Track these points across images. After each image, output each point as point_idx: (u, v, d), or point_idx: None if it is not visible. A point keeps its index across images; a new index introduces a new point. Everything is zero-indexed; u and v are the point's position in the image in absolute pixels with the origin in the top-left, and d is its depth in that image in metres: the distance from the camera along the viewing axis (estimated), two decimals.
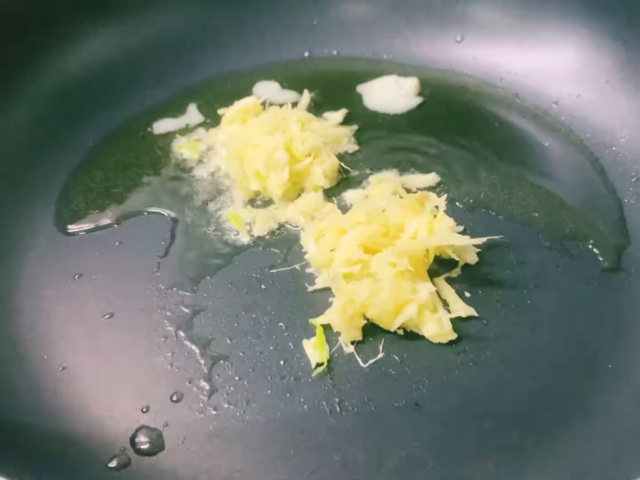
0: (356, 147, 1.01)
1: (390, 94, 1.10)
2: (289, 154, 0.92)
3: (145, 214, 0.94)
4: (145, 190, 0.97)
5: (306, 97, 1.07)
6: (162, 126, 1.08)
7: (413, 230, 0.83)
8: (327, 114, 1.06)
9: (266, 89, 1.12)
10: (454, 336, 0.78)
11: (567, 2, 1.04)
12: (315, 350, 0.78)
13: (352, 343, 0.78)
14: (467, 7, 1.11)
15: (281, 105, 1.01)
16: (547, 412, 0.72)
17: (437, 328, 0.78)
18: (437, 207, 0.84)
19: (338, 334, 0.79)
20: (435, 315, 0.78)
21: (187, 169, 1.00)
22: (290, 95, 1.11)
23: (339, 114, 1.06)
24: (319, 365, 0.77)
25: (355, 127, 1.04)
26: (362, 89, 1.12)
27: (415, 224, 0.83)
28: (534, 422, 0.72)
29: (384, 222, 0.83)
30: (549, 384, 0.75)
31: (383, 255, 0.80)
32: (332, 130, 1.02)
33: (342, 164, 0.97)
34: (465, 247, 0.84)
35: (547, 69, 1.06)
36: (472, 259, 0.85)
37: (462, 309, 0.80)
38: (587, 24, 1.03)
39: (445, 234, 0.82)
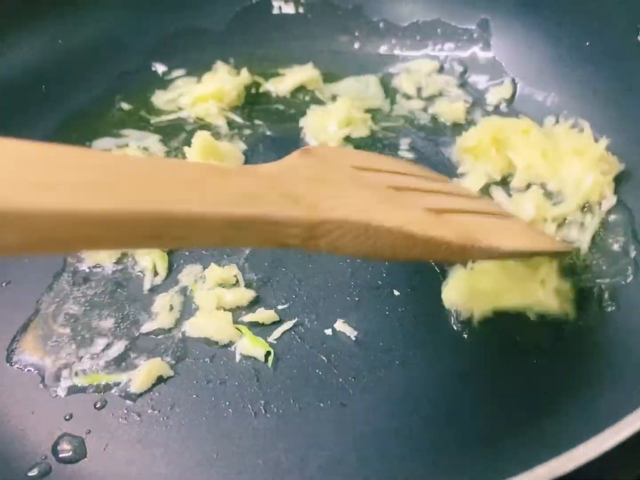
0: None
1: None
2: None
3: None
4: None
5: None
6: (100, 145, 1.03)
7: None
8: None
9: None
10: None
11: None
12: (254, 346, 0.77)
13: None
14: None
15: None
16: (470, 411, 0.72)
17: None
18: None
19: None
20: None
21: None
22: None
23: None
24: (268, 354, 0.77)
25: None
26: None
27: None
28: (458, 421, 0.72)
29: None
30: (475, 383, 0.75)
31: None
32: None
33: None
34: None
35: None
36: None
37: None
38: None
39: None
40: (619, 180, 0.88)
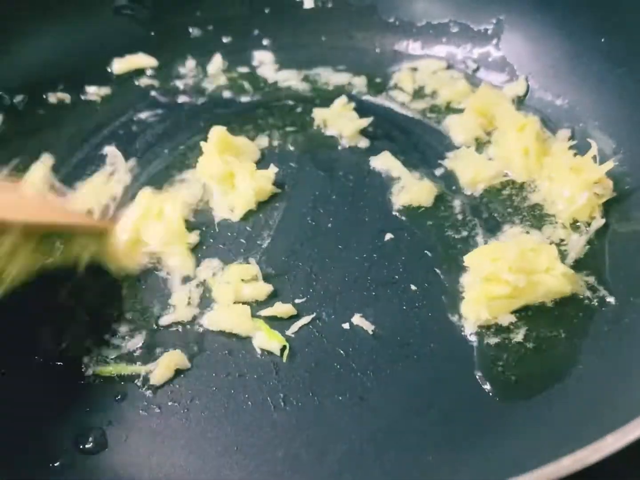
0: None
1: None
2: None
3: None
4: None
5: None
6: None
7: None
8: None
9: None
10: None
11: None
12: (270, 340, 0.78)
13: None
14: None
15: None
16: (489, 405, 0.73)
17: None
18: None
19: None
20: None
21: None
22: None
23: None
24: (284, 348, 0.77)
25: None
26: None
27: None
28: (475, 414, 0.72)
29: None
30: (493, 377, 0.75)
31: None
32: None
33: None
34: None
35: None
36: None
37: None
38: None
39: None
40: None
